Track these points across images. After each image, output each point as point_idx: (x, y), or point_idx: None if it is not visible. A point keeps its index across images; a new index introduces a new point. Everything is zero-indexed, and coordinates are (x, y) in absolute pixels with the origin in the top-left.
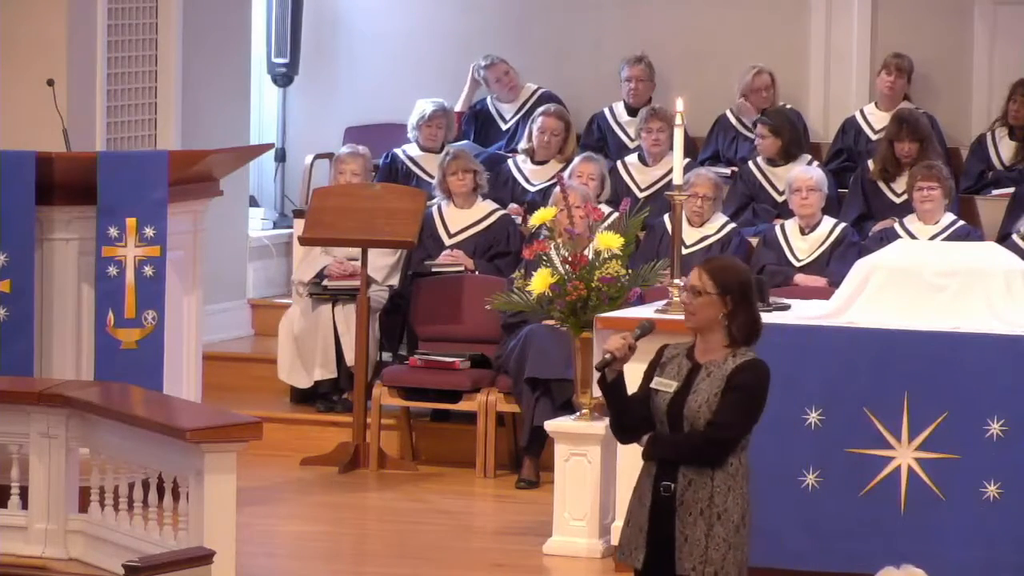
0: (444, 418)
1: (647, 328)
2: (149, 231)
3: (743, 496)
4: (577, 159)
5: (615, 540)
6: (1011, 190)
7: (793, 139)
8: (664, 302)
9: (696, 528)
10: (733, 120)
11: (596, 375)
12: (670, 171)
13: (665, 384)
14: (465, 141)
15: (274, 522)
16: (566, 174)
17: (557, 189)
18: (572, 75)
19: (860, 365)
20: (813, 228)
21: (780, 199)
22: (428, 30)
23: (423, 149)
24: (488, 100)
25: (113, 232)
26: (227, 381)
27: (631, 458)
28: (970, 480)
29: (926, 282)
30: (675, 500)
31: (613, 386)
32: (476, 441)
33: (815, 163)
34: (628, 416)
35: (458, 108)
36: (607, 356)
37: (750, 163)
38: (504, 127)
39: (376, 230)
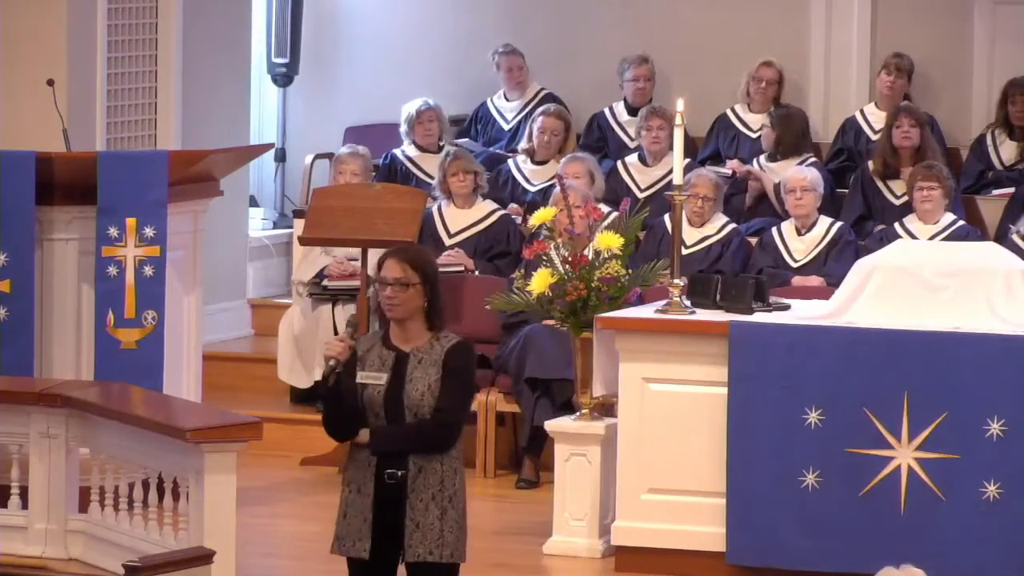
0: None
1: (356, 323)
2: (149, 231)
3: (463, 479)
4: (563, 161)
5: (615, 540)
6: (1011, 190)
7: (786, 135)
8: (664, 302)
9: (428, 513)
10: (733, 119)
11: (324, 381)
12: (670, 171)
13: (374, 377)
14: (465, 139)
15: (274, 522)
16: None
17: (557, 189)
18: (572, 75)
19: (860, 365)
20: (809, 228)
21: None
22: (428, 30)
23: (421, 149)
24: (489, 101)
25: (113, 232)
26: (227, 381)
27: (632, 458)
28: (970, 480)
29: (926, 282)
30: (405, 488)
31: (336, 387)
32: (476, 441)
33: (808, 161)
34: (346, 413)
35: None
36: (332, 363)
37: (754, 160)
38: (507, 127)
39: (376, 230)
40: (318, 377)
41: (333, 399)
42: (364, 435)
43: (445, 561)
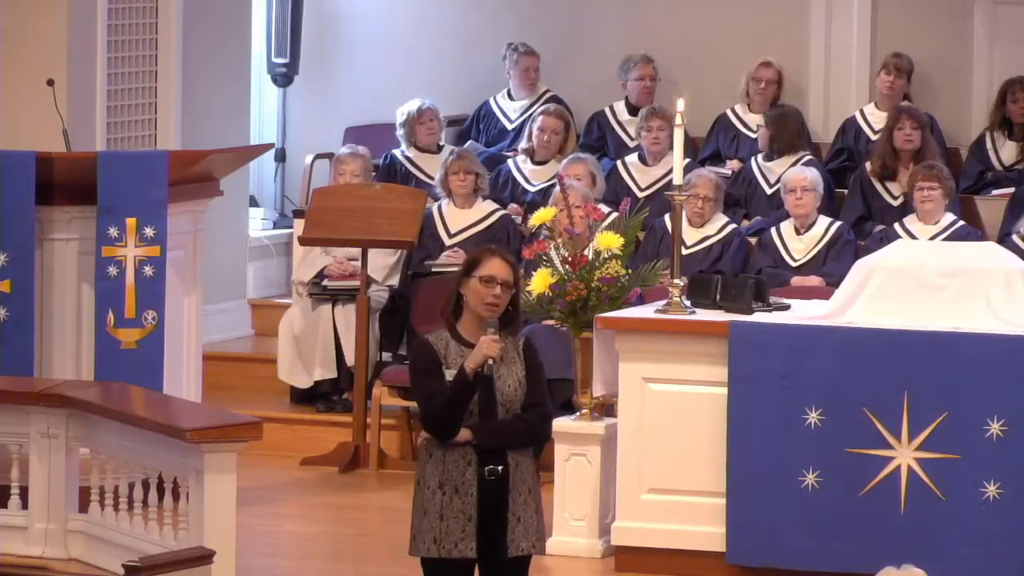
0: None
1: (496, 323)
2: (149, 231)
3: None
4: (565, 161)
5: (615, 540)
6: (1011, 190)
7: (780, 134)
8: (664, 302)
9: (527, 508)
10: (733, 119)
11: (466, 379)
12: (670, 171)
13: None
14: (469, 141)
15: (274, 522)
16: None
17: (557, 189)
18: (573, 75)
19: (860, 365)
20: (808, 228)
21: (770, 191)
22: (428, 30)
23: (420, 149)
24: (492, 100)
25: (113, 232)
26: (227, 381)
27: (632, 458)
28: (970, 480)
29: (926, 282)
30: (506, 483)
31: (475, 385)
32: None
33: (803, 160)
34: (463, 412)
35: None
36: (491, 361)
37: (751, 159)
38: (510, 126)
39: (376, 230)
40: (318, 377)
41: (468, 397)
42: (466, 434)
43: (541, 553)
